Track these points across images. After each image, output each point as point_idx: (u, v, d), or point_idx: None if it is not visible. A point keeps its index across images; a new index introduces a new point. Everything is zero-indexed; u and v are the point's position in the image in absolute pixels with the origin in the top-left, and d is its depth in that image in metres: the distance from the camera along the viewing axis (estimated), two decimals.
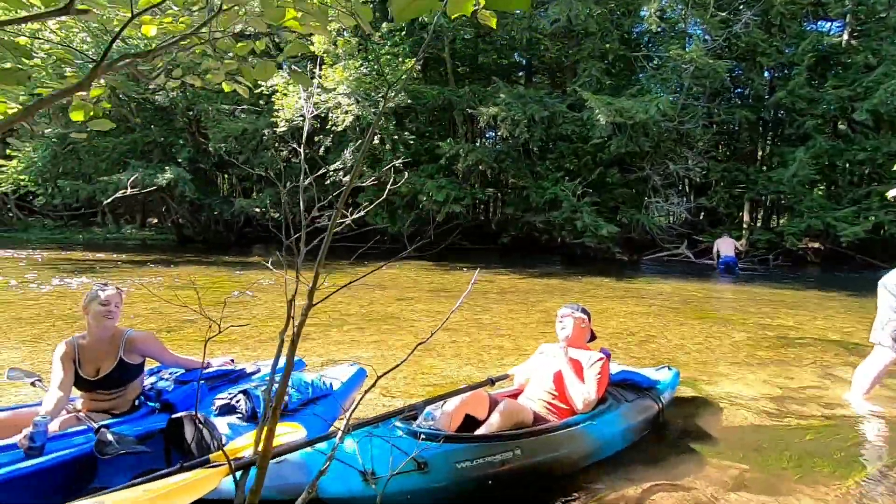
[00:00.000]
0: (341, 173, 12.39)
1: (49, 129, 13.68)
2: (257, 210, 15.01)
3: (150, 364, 2.63)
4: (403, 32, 13.08)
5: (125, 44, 10.46)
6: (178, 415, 2.11)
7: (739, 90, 15.03)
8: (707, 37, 12.91)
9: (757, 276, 10.72)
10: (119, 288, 2.42)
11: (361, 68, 12.28)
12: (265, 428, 1.24)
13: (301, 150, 1.79)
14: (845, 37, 13.10)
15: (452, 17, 1.66)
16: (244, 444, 1.83)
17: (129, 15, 1.66)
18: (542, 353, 2.91)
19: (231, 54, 1.61)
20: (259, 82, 12.84)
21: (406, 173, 10.88)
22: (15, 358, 4.09)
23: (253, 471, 1.36)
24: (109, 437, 1.97)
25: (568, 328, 2.74)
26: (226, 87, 1.85)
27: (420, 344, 1.66)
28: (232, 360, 2.95)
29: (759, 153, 15.30)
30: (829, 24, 14.47)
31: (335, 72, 12.15)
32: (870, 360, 3.47)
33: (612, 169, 13.51)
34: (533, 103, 12.52)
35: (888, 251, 12.12)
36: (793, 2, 12.37)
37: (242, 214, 15.86)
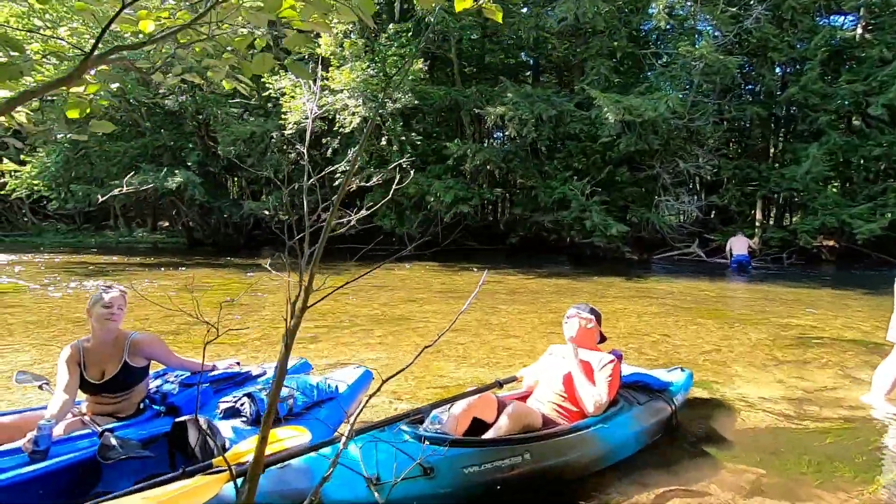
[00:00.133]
0: (353, 174, 12.38)
1: (60, 135, 13.85)
2: (266, 212, 15.08)
3: (155, 367, 2.62)
4: (410, 33, 13.07)
5: (123, 41, 10.57)
6: (182, 419, 2.09)
7: (750, 86, 14.83)
8: (717, 33, 12.74)
9: (770, 275, 10.54)
10: (123, 290, 2.41)
11: (368, 70, 12.29)
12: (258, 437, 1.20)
13: (305, 151, 1.75)
14: (859, 30, 12.86)
15: (458, 10, 1.62)
16: (246, 449, 1.80)
17: (133, 12, 1.64)
18: (551, 355, 2.85)
19: (230, 48, 1.58)
20: (267, 84, 12.94)
21: (412, 173, 10.84)
22: (25, 361, 4.11)
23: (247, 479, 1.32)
24: (113, 441, 1.95)
25: (573, 328, 2.68)
26: (226, 86, 1.82)
27: (426, 348, 1.62)
28: (238, 363, 2.93)
29: (772, 150, 15.07)
30: (843, 17, 14.22)
31: (342, 73, 12.17)
32: (890, 360, 3.37)
33: (622, 167, 13.38)
34: (540, 102, 12.44)
35: None
36: None
37: (251, 217, 15.94)
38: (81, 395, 2.36)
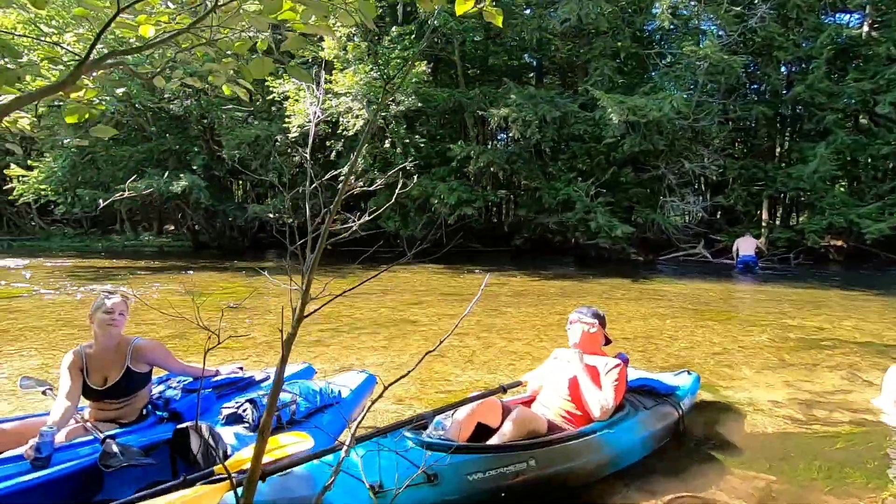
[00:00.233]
0: (352, 178, 12.40)
1: (66, 140, 13.96)
2: (270, 216, 15.14)
3: (158, 373, 2.61)
4: (413, 36, 13.09)
5: (129, 47, 10.66)
6: (184, 425, 2.08)
7: (756, 86, 14.71)
8: (721, 32, 12.65)
9: (778, 276, 10.45)
10: (125, 296, 2.40)
11: (371, 72, 12.31)
12: (254, 447, 1.19)
13: (307, 155, 1.74)
14: (865, 28, 12.74)
15: (459, 13, 1.60)
16: (248, 457, 1.78)
17: (133, 17, 1.64)
18: (555, 359, 2.81)
19: (229, 52, 1.57)
20: (271, 88, 12.99)
21: (415, 178, 10.84)
22: (30, 366, 4.13)
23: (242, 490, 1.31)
24: (114, 448, 1.94)
25: (576, 334, 2.65)
26: (226, 91, 1.81)
27: (428, 353, 1.60)
28: (241, 368, 2.92)
29: (778, 149, 14.96)
30: (848, 15, 14.09)
31: (345, 76, 12.19)
32: None
33: (626, 168, 13.31)
34: (544, 104, 12.40)
35: None
36: None
37: (256, 220, 15.99)
38: (84, 402, 2.36)
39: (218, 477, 1.70)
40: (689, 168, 12.60)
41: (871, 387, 3.69)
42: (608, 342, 2.80)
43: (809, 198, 12.62)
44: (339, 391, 2.75)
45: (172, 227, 20.44)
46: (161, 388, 2.59)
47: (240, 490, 1.43)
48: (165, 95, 14.30)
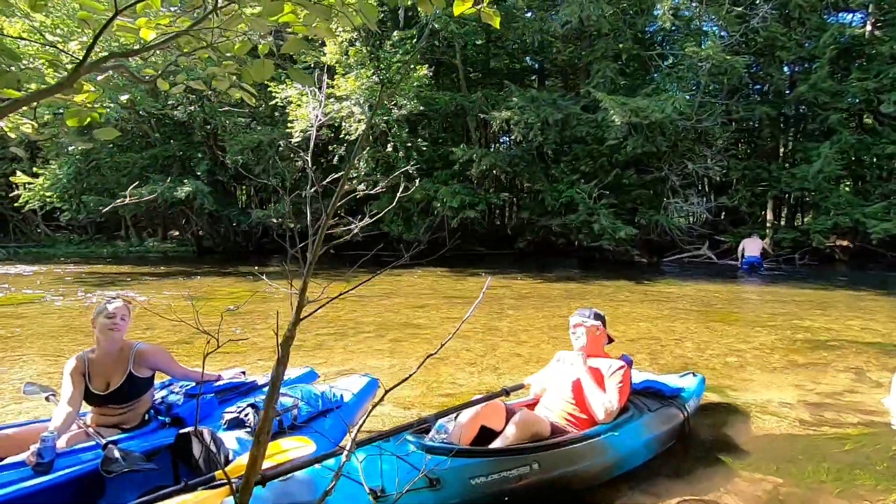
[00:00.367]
0: (355, 181, 12.44)
1: (72, 147, 14.08)
2: (274, 220, 15.19)
3: (160, 378, 2.61)
4: (415, 40, 13.13)
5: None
6: (186, 430, 2.07)
7: (759, 86, 14.67)
8: (723, 33, 12.64)
9: (783, 276, 10.38)
10: (127, 301, 2.40)
11: (373, 77, 12.35)
12: (249, 454, 1.18)
13: (307, 159, 1.74)
14: (868, 27, 12.70)
15: (456, 14, 1.60)
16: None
17: (133, 20, 1.64)
18: (558, 361, 2.79)
19: (229, 54, 1.57)
20: (274, 93, 13.04)
21: (417, 181, 10.85)
22: (35, 372, 4.14)
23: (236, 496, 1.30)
24: (116, 454, 1.93)
25: (582, 338, 2.63)
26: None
27: (429, 357, 1.59)
28: (243, 372, 2.91)
29: (782, 150, 14.89)
30: (851, 15, 14.05)
31: (347, 81, 12.23)
32: None
33: (629, 170, 13.29)
34: (546, 106, 12.41)
35: None
36: None
37: (260, 225, 16.05)
38: (86, 407, 2.36)
39: (219, 482, 1.69)
40: (692, 169, 12.56)
41: (879, 387, 3.65)
42: (611, 341, 2.78)
43: (814, 198, 12.56)
44: (342, 395, 2.73)
45: (177, 233, 20.55)
46: (163, 392, 2.59)
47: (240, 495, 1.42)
48: (169, 102, 14.40)
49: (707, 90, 12.35)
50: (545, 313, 6.64)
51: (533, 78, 17.81)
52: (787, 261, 12.31)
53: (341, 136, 12.93)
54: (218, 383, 2.72)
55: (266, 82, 11.72)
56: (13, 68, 1.40)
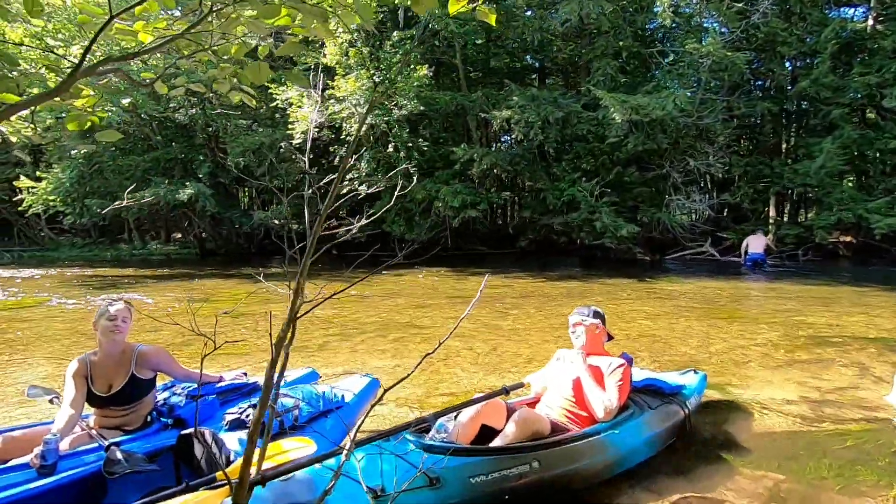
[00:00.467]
0: (356, 182, 12.46)
1: (74, 151, 14.14)
2: (275, 222, 15.23)
3: (163, 379, 2.62)
4: (414, 41, 13.13)
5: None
6: (187, 431, 2.08)
7: (760, 82, 14.62)
8: (724, 29, 12.60)
9: (786, 273, 10.34)
10: (128, 303, 2.42)
11: (374, 77, 12.35)
12: (244, 457, 1.18)
13: (306, 161, 1.75)
14: (870, 22, 12.63)
15: (452, 13, 1.60)
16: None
17: (131, 24, 1.65)
18: (559, 359, 2.80)
19: (226, 57, 1.58)
20: (274, 95, 13.07)
21: (415, 179, 10.84)
22: (38, 375, 4.16)
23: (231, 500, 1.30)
24: (118, 455, 1.94)
25: (582, 337, 2.63)
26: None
27: (427, 356, 1.59)
28: (245, 374, 2.92)
29: (784, 145, 14.84)
30: (853, 9, 13.99)
31: (347, 82, 12.25)
32: None
33: (631, 168, 13.26)
34: (547, 104, 12.40)
35: None
36: None
37: (262, 226, 16.10)
38: (89, 409, 2.37)
39: (220, 483, 1.70)
40: (694, 166, 12.52)
41: (882, 383, 3.64)
42: (610, 338, 2.78)
43: (817, 193, 12.51)
44: (343, 395, 2.74)
45: (179, 235, 20.62)
46: (165, 394, 2.60)
47: None
48: (171, 105, 14.45)
49: (708, 87, 12.32)
50: (547, 312, 6.64)
51: (533, 76, 17.80)
52: (790, 257, 12.26)
53: (342, 137, 12.95)
54: (220, 385, 2.73)
55: (266, 84, 11.75)
56: (14, 73, 1.41)
